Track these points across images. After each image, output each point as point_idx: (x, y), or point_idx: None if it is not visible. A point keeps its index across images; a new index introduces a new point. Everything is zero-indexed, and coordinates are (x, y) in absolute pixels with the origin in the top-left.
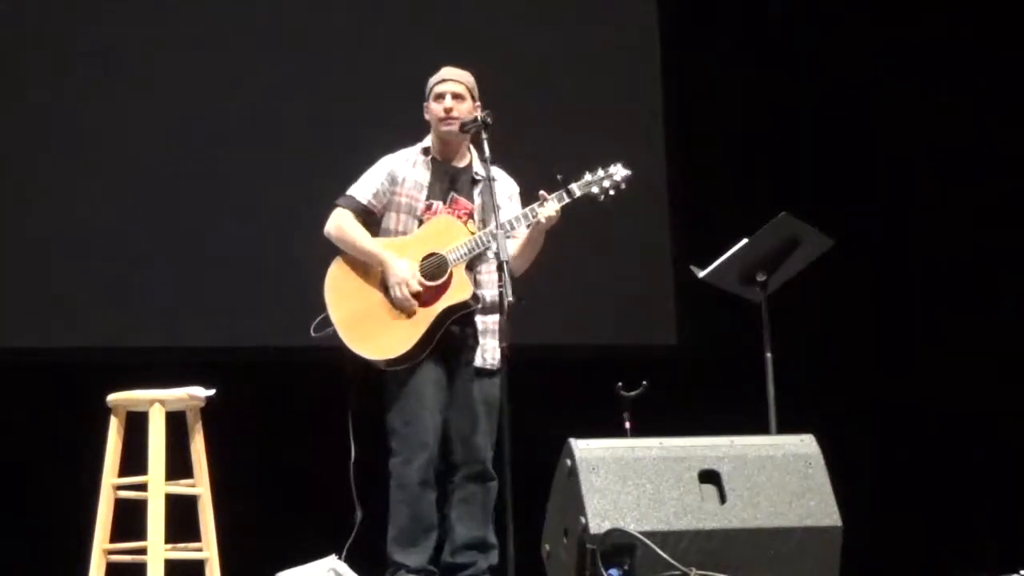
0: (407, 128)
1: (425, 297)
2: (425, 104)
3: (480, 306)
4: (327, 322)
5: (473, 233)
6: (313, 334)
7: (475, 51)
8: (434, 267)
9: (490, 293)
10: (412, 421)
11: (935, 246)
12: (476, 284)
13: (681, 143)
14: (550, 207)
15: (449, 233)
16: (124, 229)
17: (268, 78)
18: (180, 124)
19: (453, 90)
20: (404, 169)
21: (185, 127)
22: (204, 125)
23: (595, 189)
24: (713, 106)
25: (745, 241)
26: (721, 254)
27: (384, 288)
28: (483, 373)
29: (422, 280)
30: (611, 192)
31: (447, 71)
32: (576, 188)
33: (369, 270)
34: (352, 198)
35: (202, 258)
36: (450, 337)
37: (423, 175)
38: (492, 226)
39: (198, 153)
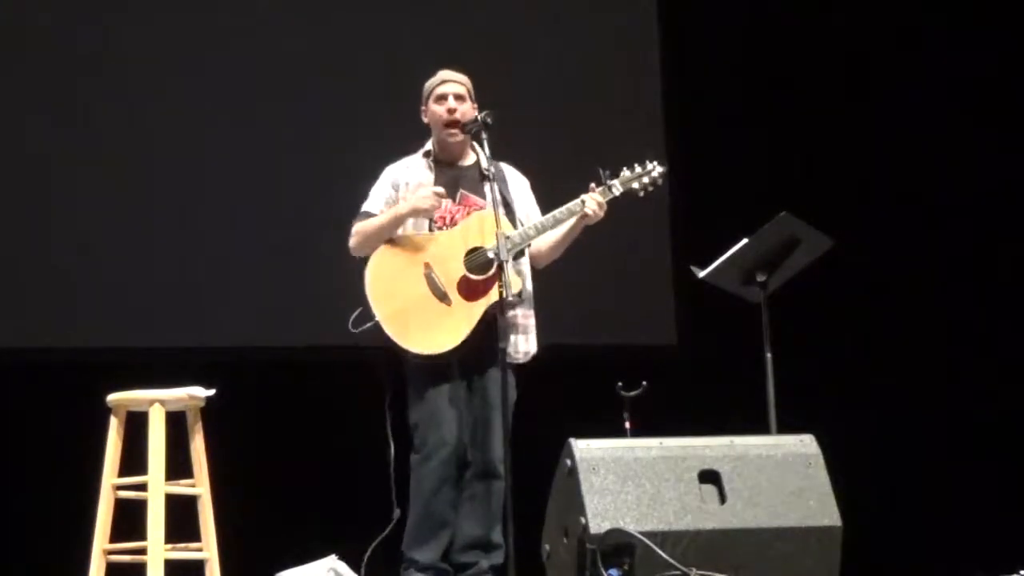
0: (410, 128)
1: (472, 291)
2: (423, 108)
3: (522, 300)
4: (366, 316)
5: (514, 227)
6: (352, 330)
7: (475, 51)
8: (480, 262)
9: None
10: (434, 418)
11: (935, 245)
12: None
13: (681, 143)
14: (592, 203)
15: (492, 228)
16: (124, 229)
17: (268, 78)
18: (181, 124)
19: (455, 91)
20: (404, 174)
21: (186, 127)
22: (206, 125)
23: (635, 185)
24: (713, 106)
25: (745, 241)
26: (721, 254)
27: (428, 280)
28: (506, 368)
29: (468, 275)
30: (649, 188)
31: (446, 73)
32: (619, 184)
33: (409, 263)
34: (366, 213)
35: (203, 258)
36: (478, 332)
37: (426, 176)
38: (531, 221)
39: (199, 153)
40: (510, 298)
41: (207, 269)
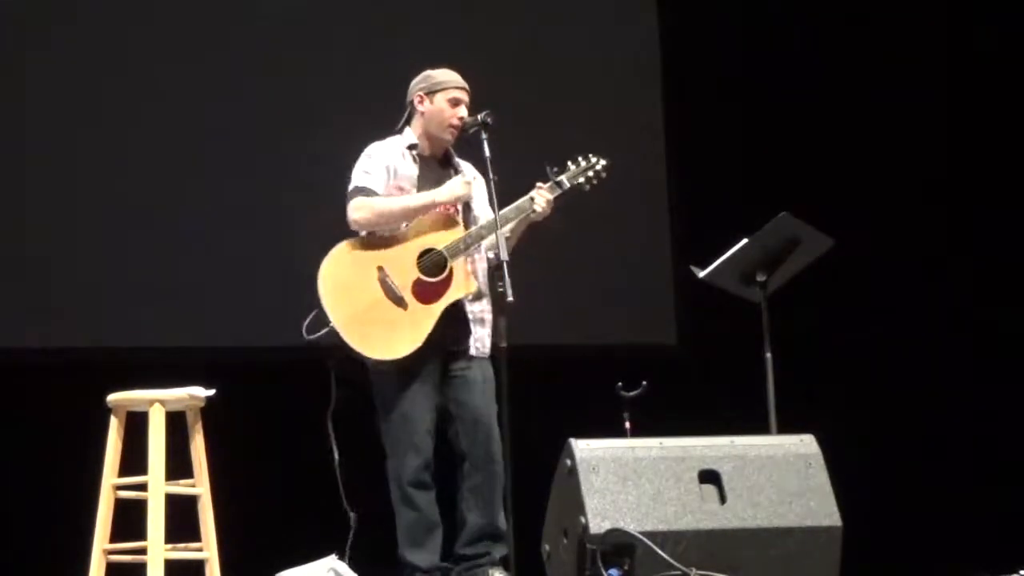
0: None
1: (428, 294)
2: (424, 95)
3: (481, 296)
4: (321, 323)
5: (467, 227)
6: (306, 336)
7: (475, 50)
8: (433, 264)
9: (479, 282)
10: (403, 423)
11: (935, 245)
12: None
13: (681, 143)
14: (541, 199)
15: (443, 229)
16: (124, 229)
17: (267, 78)
18: (179, 124)
19: (467, 100)
20: (395, 161)
21: (184, 127)
22: (203, 125)
23: (581, 180)
24: (713, 106)
25: (745, 241)
26: (721, 254)
27: (382, 284)
28: (477, 360)
29: (422, 277)
30: (594, 182)
31: (459, 77)
32: (566, 180)
33: (363, 267)
34: (369, 189)
35: (202, 258)
36: (441, 329)
37: (412, 169)
38: (483, 221)
39: (198, 153)
40: (510, 298)
41: (207, 269)
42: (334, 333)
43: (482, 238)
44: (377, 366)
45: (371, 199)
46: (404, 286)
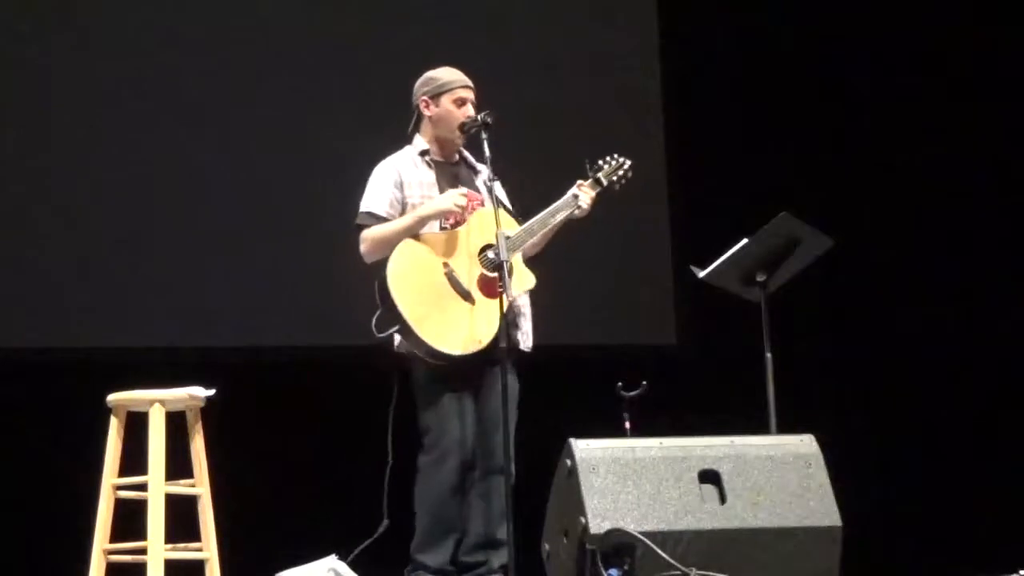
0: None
1: (491, 288)
2: (429, 99)
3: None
4: (391, 320)
5: (519, 222)
6: (378, 334)
7: (475, 49)
8: (496, 260)
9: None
10: (447, 421)
11: (936, 245)
12: None
13: (681, 142)
14: (586, 197)
15: (500, 224)
16: (124, 229)
17: (267, 77)
18: (181, 124)
19: (472, 98)
20: (406, 172)
21: (185, 127)
22: (205, 125)
23: (614, 178)
24: (713, 105)
25: (745, 241)
26: (721, 254)
27: (450, 280)
28: (506, 365)
29: (485, 272)
30: (623, 182)
31: (462, 75)
32: (603, 178)
33: (429, 263)
34: (371, 215)
35: (203, 258)
36: None
37: (427, 174)
38: (536, 217)
39: (199, 153)
40: (515, 298)
41: (207, 269)
42: (407, 329)
43: (534, 233)
44: (433, 360)
45: (370, 230)
46: (470, 281)
